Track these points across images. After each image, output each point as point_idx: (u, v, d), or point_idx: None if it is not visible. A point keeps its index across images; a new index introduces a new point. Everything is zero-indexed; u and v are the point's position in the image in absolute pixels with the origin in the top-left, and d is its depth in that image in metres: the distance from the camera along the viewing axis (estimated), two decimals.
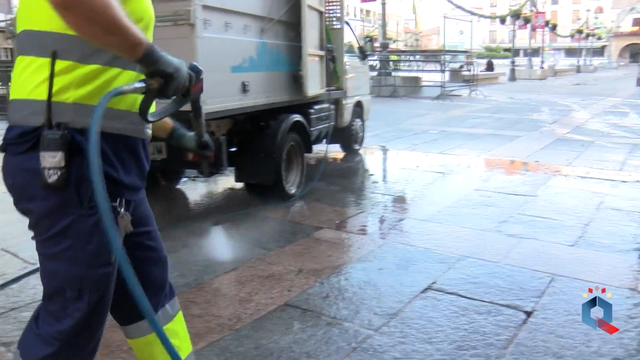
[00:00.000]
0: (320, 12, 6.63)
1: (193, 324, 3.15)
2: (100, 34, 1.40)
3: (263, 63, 5.42)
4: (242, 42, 5.11)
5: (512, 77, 34.68)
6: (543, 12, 43.32)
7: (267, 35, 5.48)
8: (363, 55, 9.07)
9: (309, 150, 6.40)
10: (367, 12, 67.54)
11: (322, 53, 6.62)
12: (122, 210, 1.63)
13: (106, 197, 1.37)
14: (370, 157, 9.00)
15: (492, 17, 47.53)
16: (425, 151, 9.15)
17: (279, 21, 5.68)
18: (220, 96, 4.72)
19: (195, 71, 1.62)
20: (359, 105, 8.75)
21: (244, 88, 5.06)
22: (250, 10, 5.21)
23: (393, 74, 23.23)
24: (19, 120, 1.55)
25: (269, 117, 5.64)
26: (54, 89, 1.49)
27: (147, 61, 1.45)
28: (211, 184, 6.81)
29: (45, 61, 1.50)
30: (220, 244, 4.57)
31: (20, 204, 1.62)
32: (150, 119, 1.59)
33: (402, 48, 48.25)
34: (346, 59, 7.85)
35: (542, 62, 43.23)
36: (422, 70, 25.43)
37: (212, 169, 5.21)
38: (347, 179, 7.26)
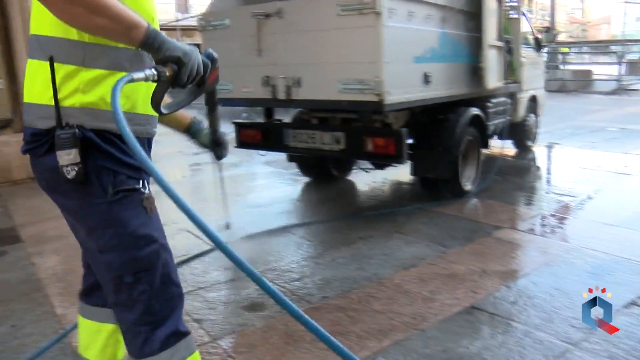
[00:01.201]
0: (499, 1, 6.32)
1: (376, 320, 3.11)
2: (85, 15, 1.35)
3: (444, 54, 5.26)
4: (425, 32, 4.98)
5: None
6: None
7: (448, 25, 5.30)
8: (539, 46, 8.56)
9: (486, 146, 6.16)
10: (530, 1, 64.33)
11: (500, 44, 6.31)
12: (147, 191, 1.66)
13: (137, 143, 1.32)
14: (545, 154, 8.50)
15: None
16: (605, 150, 8.45)
17: (459, 11, 5.48)
18: (403, 87, 4.63)
19: (211, 59, 1.55)
20: (533, 99, 8.29)
21: (426, 79, 4.94)
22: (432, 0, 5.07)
23: (561, 67, 21.86)
24: (29, 123, 1.60)
25: (447, 110, 5.47)
26: (61, 94, 1.50)
27: (150, 46, 1.42)
28: (380, 176, 6.77)
29: (47, 65, 1.50)
30: (396, 238, 4.50)
31: (59, 202, 1.68)
32: (163, 111, 1.52)
33: (568, 39, 45.31)
34: (522, 50, 7.42)
35: None
36: (594, 63, 23.63)
37: (392, 162, 5.17)
38: (522, 177, 6.88)
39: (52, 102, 1.50)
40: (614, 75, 19.97)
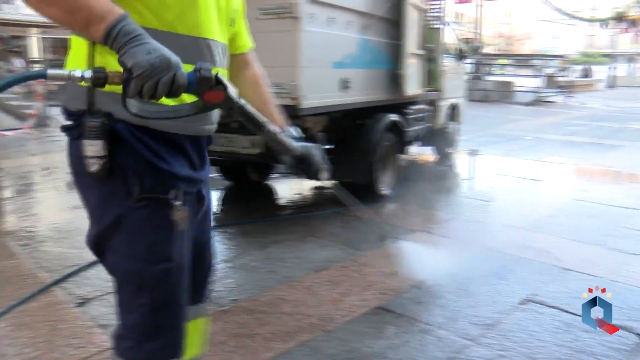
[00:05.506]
0: (421, 11, 6.50)
1: (283, 322, 3.13)
2: (36, 3, 1.23)
3: (363, 60, 5.36)
4: (344, 37, 5.06)
5: (611, 84, 33.10)
6: None
7: (368, 32, 5.40)
8: (460, 56, 8.84)
9: (404, 152, 6.29)
10: (460, 15, 66.24)
11: (421, 52, 6.48)
12: (178, 203, 1.49)
13: None
14: (464, 161, 8.76)
15: (592, 21, 45.35)
16: (520, 157, 8.84)
17: (381, 18, 5.60)
18: (320, 92, 4.69)
19: (203, 77, 1.31)
20: (454, 107, 8.53)
21: (344, 85, 5.01)
22: (353, 6, 5.15)
23: (485, 78, 22.65)
24: (64, 102, 1.49)
25: (366, 116, 5.57)
26: None
27: (111, 47, 1.23)
28: (301, 181, 6.81)
29: (85, 43, 1.38)
30: (310, 241, 4.55)
31: (79, 191, 1.55)
32: (132, 110, 1.30)
33: (494, 52, 46.88)
34: (444, 60, 7.65)
35: None
36: (515, 75, 24.66)
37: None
38: (439, 183, 7.08)
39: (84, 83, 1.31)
40: (533, 87, 20.88)
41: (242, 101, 1.47)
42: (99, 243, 1.55)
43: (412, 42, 6.02)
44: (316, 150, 1.86)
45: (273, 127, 1.64)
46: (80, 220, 5.10)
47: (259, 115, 1.57)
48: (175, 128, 1.47)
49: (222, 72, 1.57)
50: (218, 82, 1.34)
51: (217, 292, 3.58)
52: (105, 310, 3.30)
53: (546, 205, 5.81)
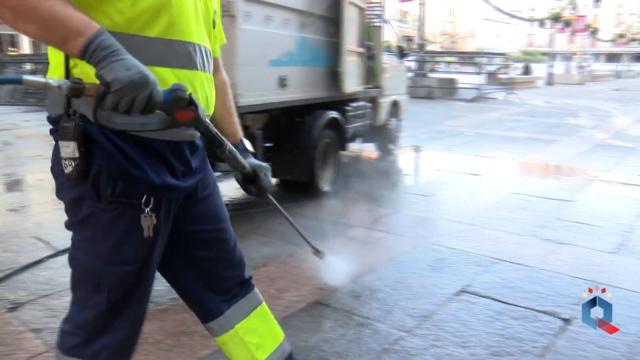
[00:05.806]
0: (361, 9, 6.57)
1: None
2: (11, 19, 1.23)
3: (302, 58, 5.37)
4: (282, 36, 5.06)
5: (549, 82, 34.20)
6: (584, 16, 42.39)
7: (307, 30, 5.42)
8: (401, 54, 8.96)
9: (344, 148, 6.35)
10: (405, 13, 67.16)
11: (361, 50, 6.55)
12: (148, 210, 1.51)
13: None
14: (405, 157, 8.91)
15: (531, 20, 46.85)
16: (461, 153, 9.02)
17: (320, 16, 5.61)
18: (258, 89, 4.68)
19: (176, 97, 1.36)
20: (395, 104, 8.63)
21: (282, 82, 5.02)
22: (291, 4, 5.15)
23: (429, 75, 23.04)
24: (46, 108, 1.53)
25: (306, 113, 5.59)
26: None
27: (88, 62, 1.26)
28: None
29: (61, 53, 1.41)
30: (250, 238, 4.55)
31: (56, 192, 1.58)
32: (100, 120, 1.37)
33: (438, 50, 47.91)
34: (384, 57, 7.74)
35: (578, 66, 42.62)
36: (458, 72, 25.20)
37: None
38: (381, 179, 7.16)
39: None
40: (475, 84, 21.35)
41: (208, 121, 1.53)
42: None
43: (351, 39, 6.07)
44: (265, 172, 1.94)
45: (231, 147, 1.71)
46: (14, 223, 4.96)
47: (220, 135, 1.63)
48: (148, 132, 1.47)
49: (207, 77, 1.62)
50: (190, 102, 1.40)
51: (156, 291, 3.53)
52: (39, 314, 3.23)
53: (484, 199, 5.97)
